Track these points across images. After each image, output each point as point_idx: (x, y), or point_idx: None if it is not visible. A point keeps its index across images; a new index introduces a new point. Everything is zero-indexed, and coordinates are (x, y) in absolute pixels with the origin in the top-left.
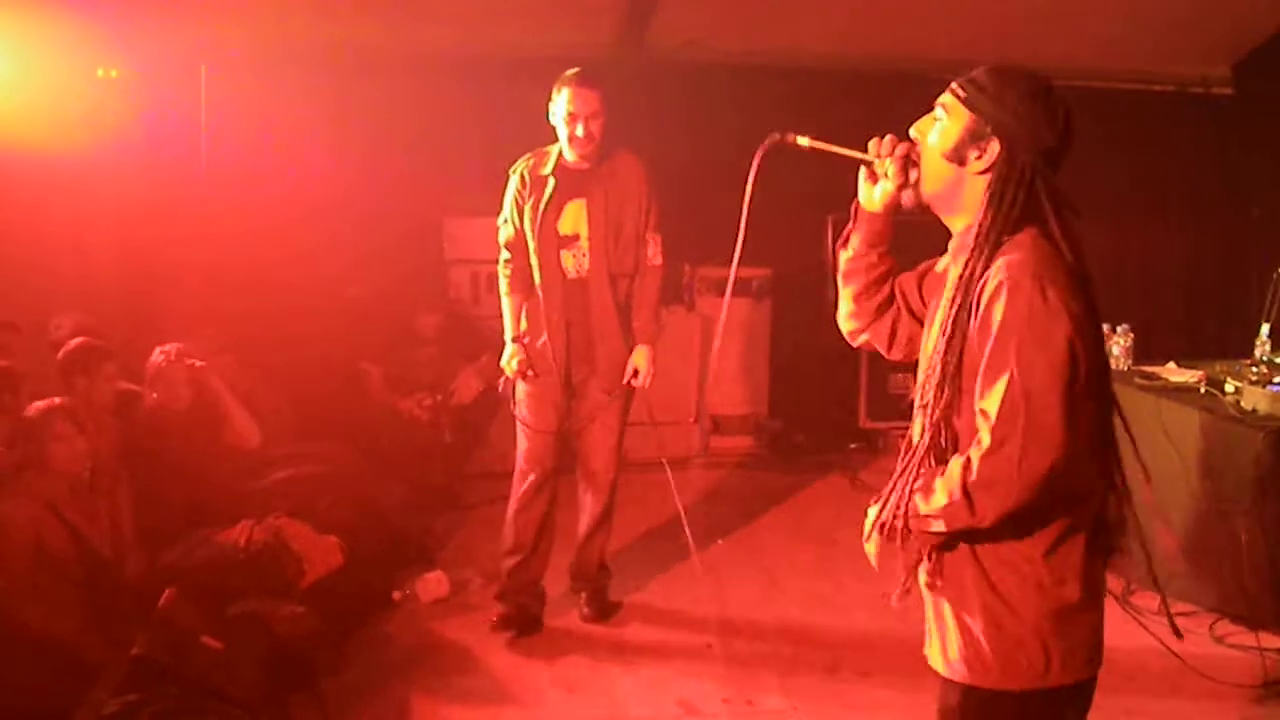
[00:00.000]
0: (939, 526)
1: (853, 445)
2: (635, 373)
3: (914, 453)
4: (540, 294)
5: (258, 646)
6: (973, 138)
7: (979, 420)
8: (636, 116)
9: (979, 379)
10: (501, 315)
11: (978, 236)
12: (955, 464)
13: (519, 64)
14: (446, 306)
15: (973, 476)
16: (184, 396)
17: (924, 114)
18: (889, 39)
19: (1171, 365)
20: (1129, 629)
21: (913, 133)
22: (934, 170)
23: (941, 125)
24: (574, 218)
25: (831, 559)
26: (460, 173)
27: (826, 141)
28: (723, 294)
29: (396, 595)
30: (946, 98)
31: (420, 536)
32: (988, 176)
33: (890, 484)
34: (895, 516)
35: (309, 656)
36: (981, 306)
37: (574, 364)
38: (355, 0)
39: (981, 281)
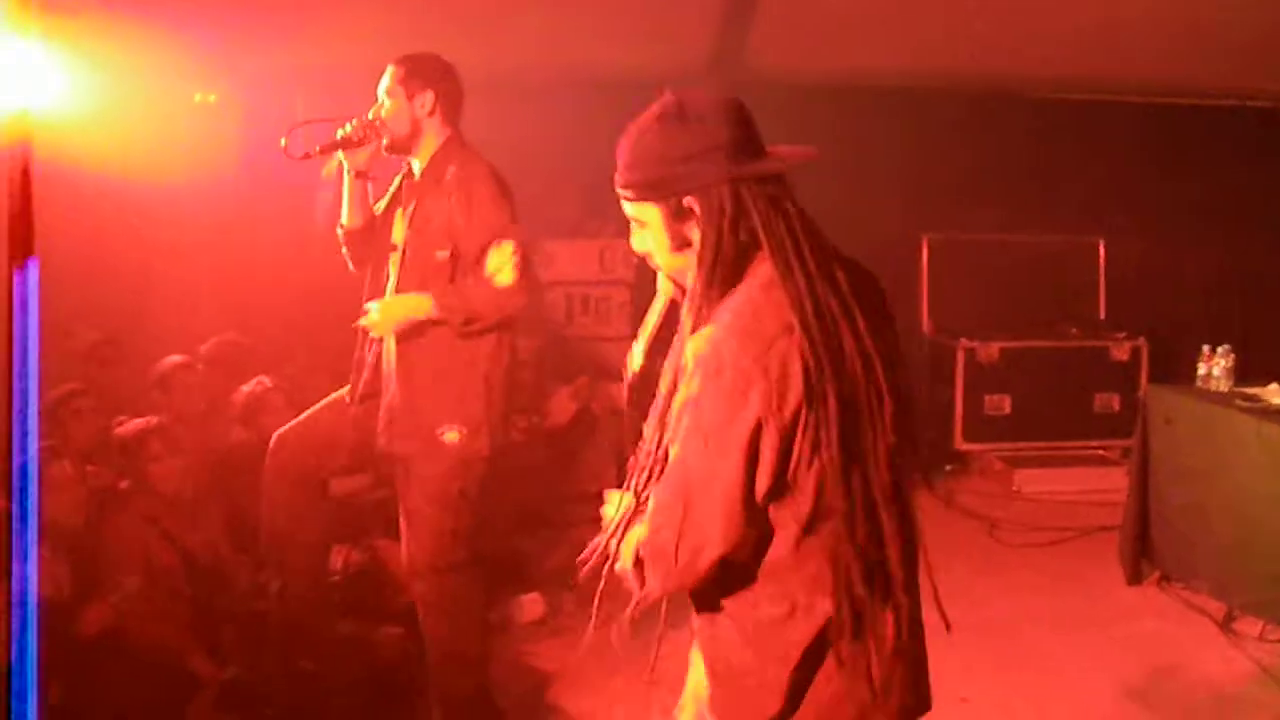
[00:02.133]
0: (628, 583)
1: (948, 467)
2: None
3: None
4: None
5: (355, 669)
6: (677, 218)
7: (657, 495)
8: None
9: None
10: (596, 337)
11: (692, 306)
12: (639, 530)
13: (611, 86)
14: (542, 329)
15: (644, 550)
16: (285, 420)
17: (1022, 133)
18: (986, 58)
19: (1274, 386)
20: (1230, 654)
21: (637, 249)
22: (680, 269)
23: (649, 233)
24: None
25: (928, 581)
26: (555, 195)
27: None
28: None
29: (492, 616)
30: (628, 209)
31: (516, 558)
32: None
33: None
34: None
35: (406, 678)
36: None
37: None
38: (449, 23)
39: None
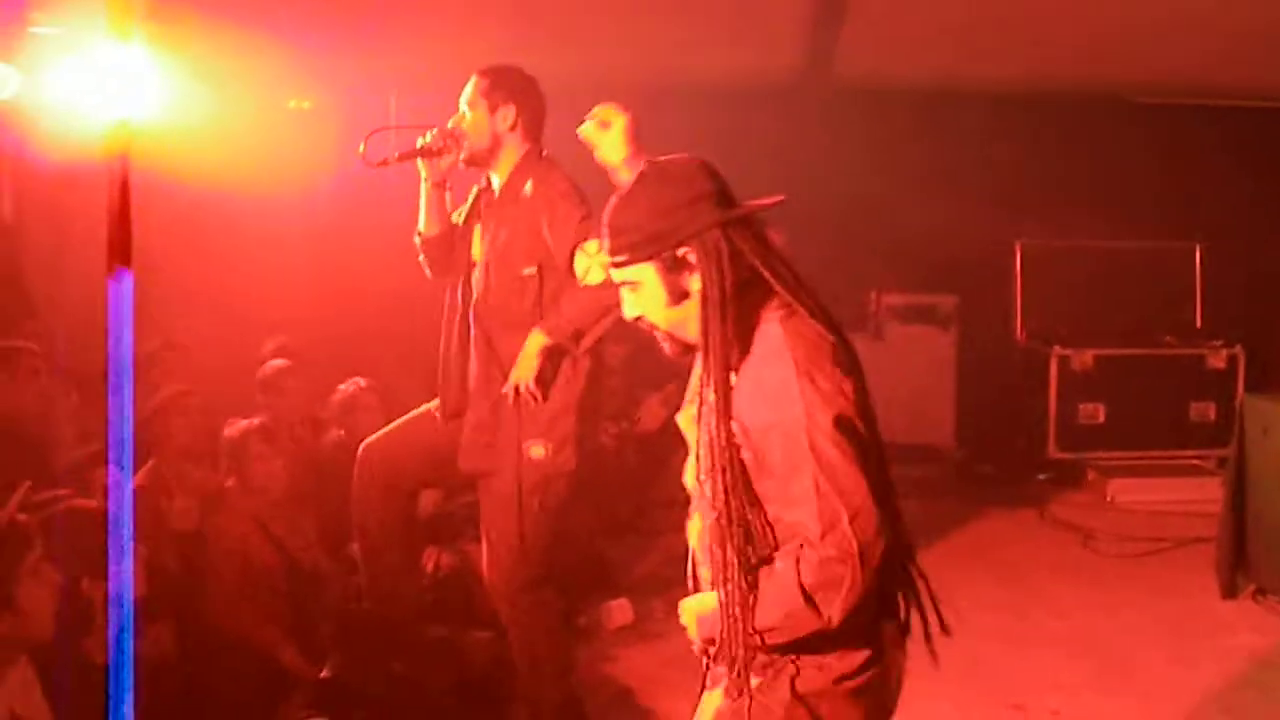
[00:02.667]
0: (780, 638)
1: (1041, 476)
2: None
3: (727, 572)
4: None
5: (445, 672)
6: (673, 271)
7: (799, 525)
8: (823, 146)
9: (780, 487)
10: None
11: (710, 344)
12: (785, 569)
13: (701, 94)
14: (631, 335)
15: (810, 579)
16: (378, 423)
17: (1117, 138)
18: (1079, 62)
19: None
20: None
21: (628, 315)
22: (677, 322)
23: (644, 292)
24: None
25: (1020, 592)
26: None
27: None
28: (910, 322)
29: (581, 621)
30: (615, 274)
31: (605, 563)
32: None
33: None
34: (735, 644)
35: (496, 683)
36: (745, 414)
37: None
38: (539, 30)
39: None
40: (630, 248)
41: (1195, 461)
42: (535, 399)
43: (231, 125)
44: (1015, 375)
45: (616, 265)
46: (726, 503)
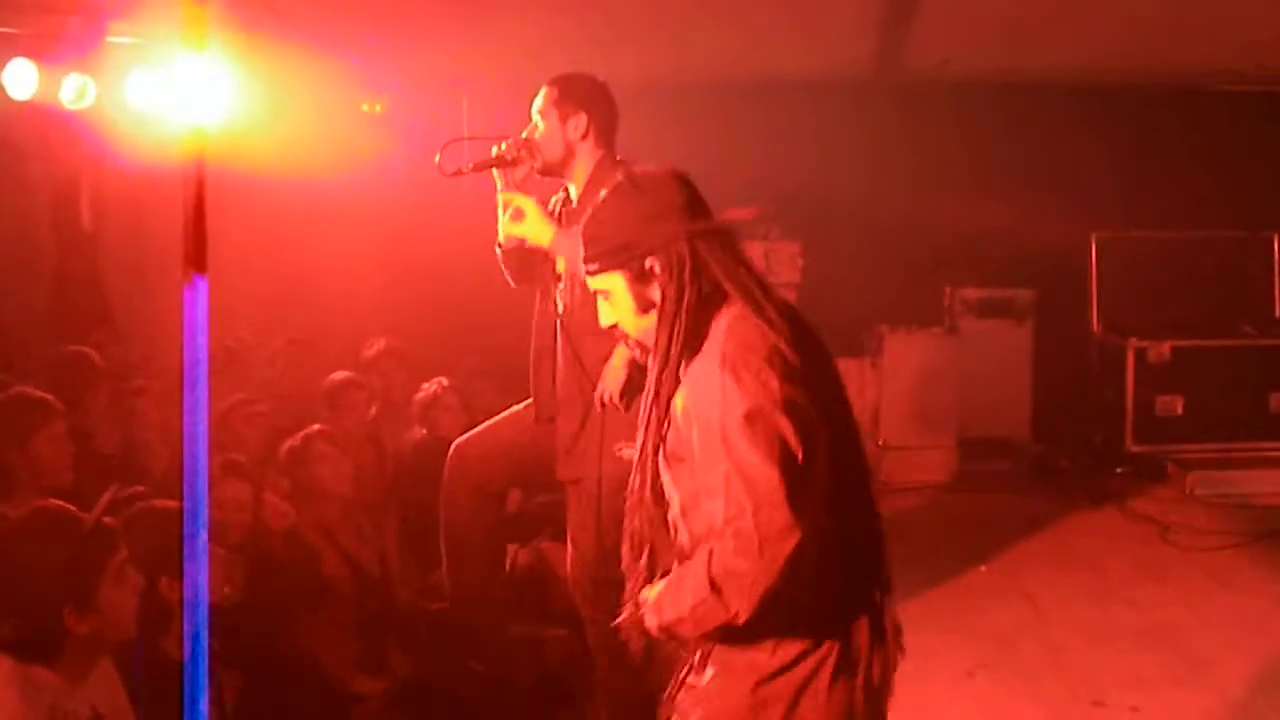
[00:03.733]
0: (689, 629)
1: (1119, 469)
2: None
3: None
4: None
5: (524, 670)
6: (641, 281)
7: (710, 515)
8: (896, 138)
9: (700, 476)
10: None
11: (659, 356)
12: (697, 560)
13: (773, 89)
14: None
15: (715, 569)
16: (460, 422)
17: (1194, 128)
18: (1155, 51)
19: None
20: None
21: (604, 325)
22: (647, 331)
23: (615, 301)
24: None
25: (1099, 587)
26: (718, 199)
27: None
28: (986, 316)
29: None
30: (593, 284)
31: None
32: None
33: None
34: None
35: (574, 681)
36: (679, 405)
37: None
38: (611, 31)
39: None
40: (599, 257)
41: (1276, 453)
42: (621, 409)
43: (305, 129)
44: (1092, 368)
45: (590, 274)
46: (642, 493)
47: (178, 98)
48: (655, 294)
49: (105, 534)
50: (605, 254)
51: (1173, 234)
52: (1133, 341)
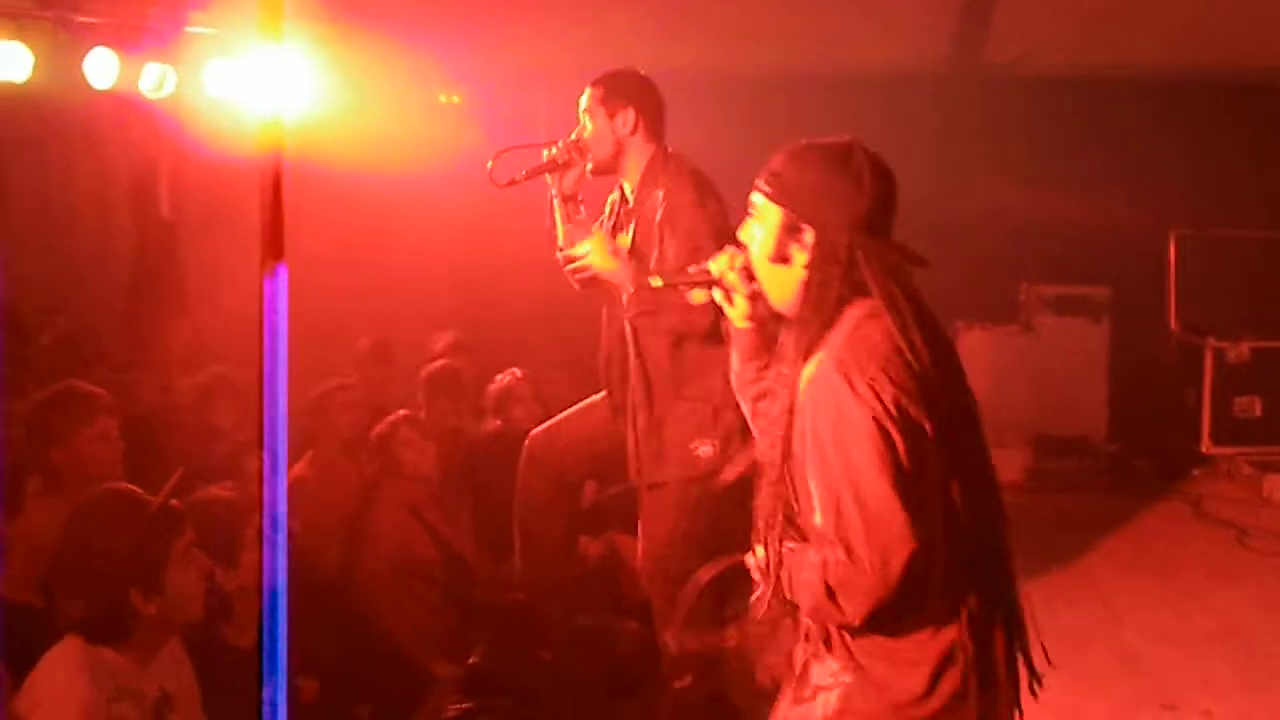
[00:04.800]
0: (812, 620)
1: (1195, 471)
2: None
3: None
4: None
5: (593, 662)
6: (789, 233)
7: (824, 528)
8: (973, 133)
9: (813, 486)
10: None
11: (796, 335)
12: (815, 561)
13: (850, 84)
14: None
15: (831, 577)
16: (534, 411)
17: (1271, 126)
18: (1236, 48)
19: None
20: None
21: (743, 238)
22: (769, 278)
23: (759, 230)
24: None
25: (1173, 589)
26: None
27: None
28: (1062, 313)
29: (728, 612)
30: (755, 197)
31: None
32: None
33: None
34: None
35: (643, 673)
36: (801, 406)
37: None
38: (685, 25)
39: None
40: (775, 185)
41: None
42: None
43: (382, 119)
44: (1169, 368)
45: (757, 189)
46: (781, 469)
47: (256, 87)
48: (792, 252)
49: (172, 516)
50: (782, 189)
51: (1252, 233)
52: (1211, 341)
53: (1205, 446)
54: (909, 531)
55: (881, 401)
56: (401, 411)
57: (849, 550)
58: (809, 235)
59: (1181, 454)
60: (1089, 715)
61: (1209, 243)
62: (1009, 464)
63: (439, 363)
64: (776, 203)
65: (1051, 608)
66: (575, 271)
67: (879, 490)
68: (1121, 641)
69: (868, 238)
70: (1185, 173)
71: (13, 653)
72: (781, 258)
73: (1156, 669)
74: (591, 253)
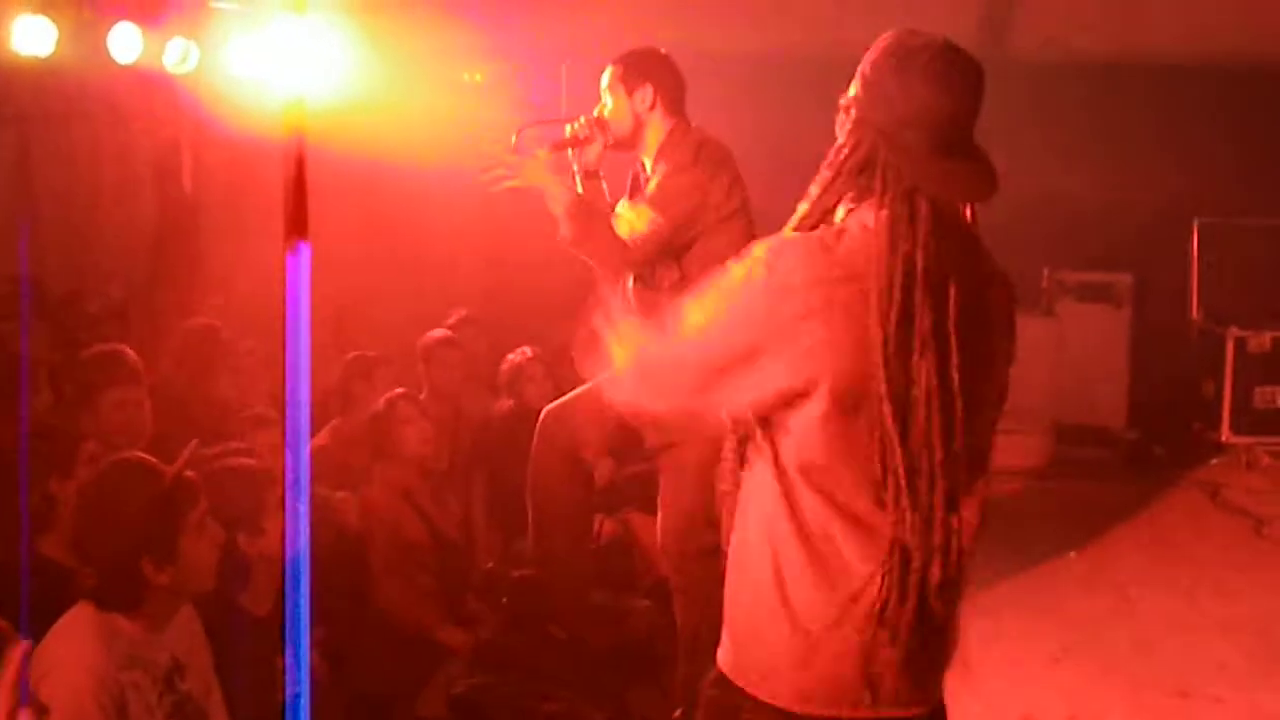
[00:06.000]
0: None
1: (1214, 460)
2: None
3: None
4: None
5: (604, 638)
6: (865, 171)
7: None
8: (995, 119)
9: None
10: None
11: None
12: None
13: None
14: None
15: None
16: (546, 390)
17: None
18: (1263, 34)
19: None
20: None
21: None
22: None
23: (840, 142)
24: None
25: (1189, 577)
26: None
27: None
28: (1084, 300)
29: None
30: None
31: None
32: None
33: None
34: None
35: (655, 652)
36: None
37: None
38: (710, 3)
39: None
40: (864, 87)
41: None
42: None
43: (406, 99)
44: (1190, 356)
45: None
46: None
47: (279, 63)
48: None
49: (186, 486)
50: (863, 100)
51: (1277, 221)
52: (1233, 330)
53: (1225, 436)
54: (671, 391)
55: (769, 268)
56: (399, 390)
57: (641, 356)
58: (851, 120)
59: (1201, 443)
60: (1103, 700)
61: (1232, 231)
62: (1029, 451)
63: (436, 334)
64: (856, 113)
65: (1068, 593)
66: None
67: (695, 333)
68: (1136, 627)
69: (900, 147)
70: (1209, 160)
71: (58, 614)
72: (851, 180)
73: (1170, 655)
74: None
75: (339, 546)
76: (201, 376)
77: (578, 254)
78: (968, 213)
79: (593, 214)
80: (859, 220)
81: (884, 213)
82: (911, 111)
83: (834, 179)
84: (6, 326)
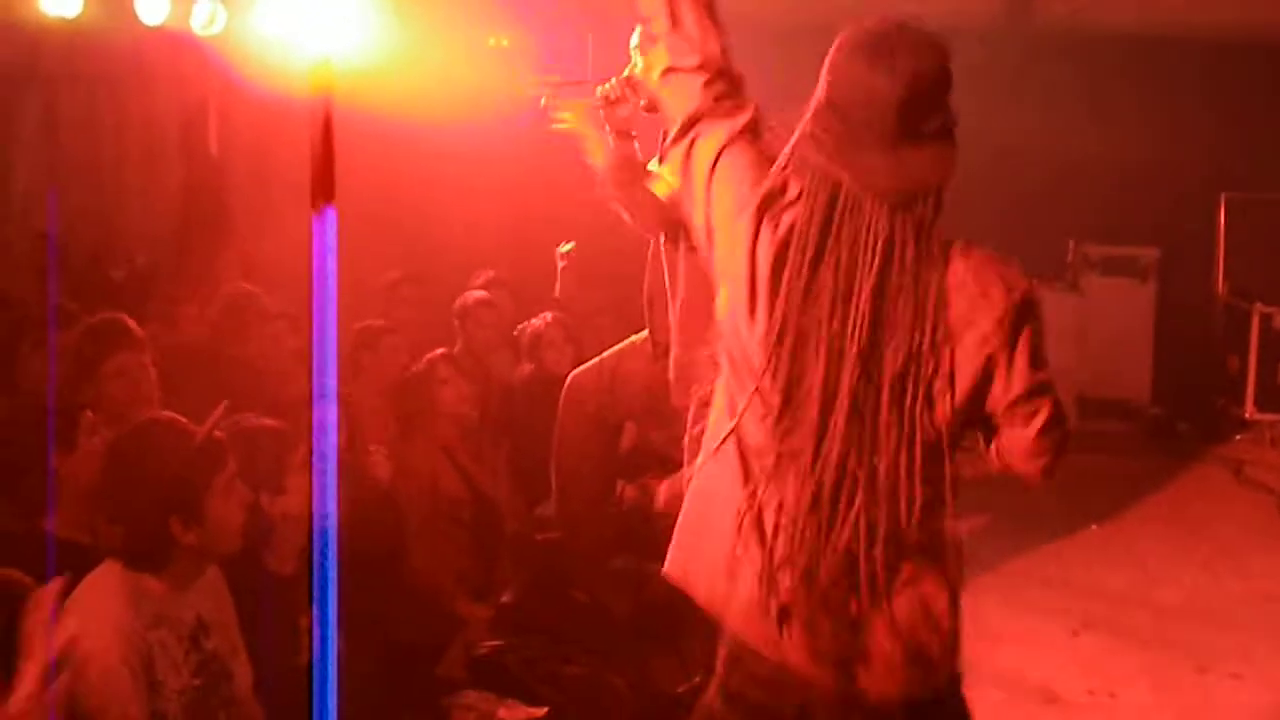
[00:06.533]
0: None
1: (1238, 436)
2: None
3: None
4: None
5: (625, 603)
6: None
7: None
8: (1022, 90)
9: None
10: None
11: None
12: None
13: None
14: None
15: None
16: (566, 355)
17: None
18: None
19: None
20: None
21: None
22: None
23: None
24: None
25: (1210, 553)
26: None
27: None
28: (1109, 274)
29: None
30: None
31: None
32: None
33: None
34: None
35: (675, 615)
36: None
37: None
38: None
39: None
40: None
41: None
42: None
43: (431, 63)
44: (1215, 332)
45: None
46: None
47: (305, 26)
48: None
49: (215, 447)
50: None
51: None
52: (1258, 306)
53: (1249, 412)
54: None
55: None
56: (439, 350)
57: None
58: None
59: (1225, 419)
60: (1122, 674)
61: (1260, 206)
62: None
63: (474, 295)
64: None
65: (1090, 568)
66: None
67: None
68: (1156, 602)
69: (822, 128)
70: (1237, 135)
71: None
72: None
73: (1189, 631)
74: (575, 113)
75: (370, 504)
76: (236, 340)
77: (615, 205)
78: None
79: (633, 166)
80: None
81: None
82: (840, 93)
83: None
84: (20, 285)
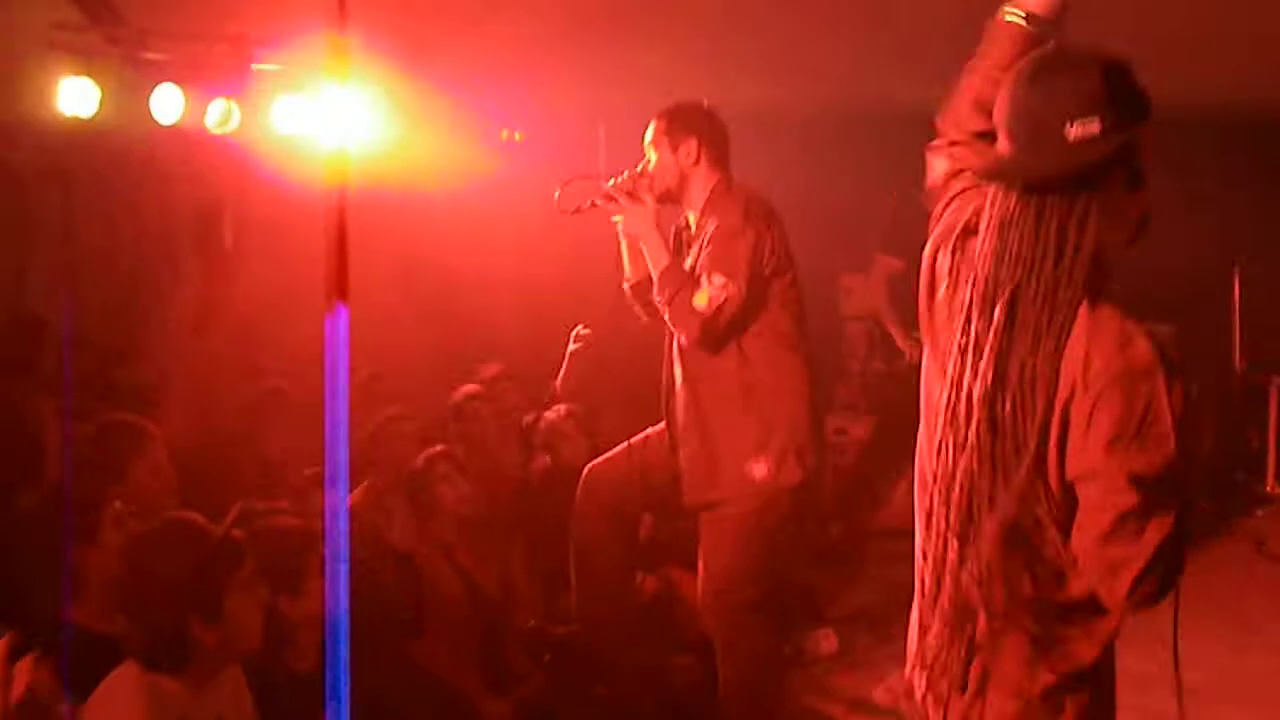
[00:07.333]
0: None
1: (1259, 511)
2: None
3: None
4: None
5: (648, 696)
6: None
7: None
8: None
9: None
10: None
11: None
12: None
13: (912, 121)
14: (839, 364)
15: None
16: (582, 447)
17: None
18: None
19: None
20: None
21: None
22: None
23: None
24: None
25: (1234, 631)
26: (852, 230)
27: None
28: None
29: (786, 650)
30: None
31: (809, 592)
32: None
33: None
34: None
35: (698, 707)
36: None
37: None
38: (750, 61)
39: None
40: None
41: None
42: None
43: (445, 157)
44: (1233, 406)
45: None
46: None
47: (321, 124)
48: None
49: (233, 546)
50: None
51: None
52: (1276, 379)
53: (1270, 486)
54: None
55: None
56: (439, 446)
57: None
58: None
59: (1245, 494)
60: None
61: (1275, 278)
62: None
63: (464, 389)
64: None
65: (1115, 648)
66: (609, 209)
67: None
68: (1184, 684)
69: None
70: (1252, 207)
71: (92, 681)
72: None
73: (1214, 709)
74: (631, 211)
75: (380, 604)
76: (260, 437)
77: (661, 313)
78: None
79: (684, 277)
80: None
81: None
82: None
83: None
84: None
